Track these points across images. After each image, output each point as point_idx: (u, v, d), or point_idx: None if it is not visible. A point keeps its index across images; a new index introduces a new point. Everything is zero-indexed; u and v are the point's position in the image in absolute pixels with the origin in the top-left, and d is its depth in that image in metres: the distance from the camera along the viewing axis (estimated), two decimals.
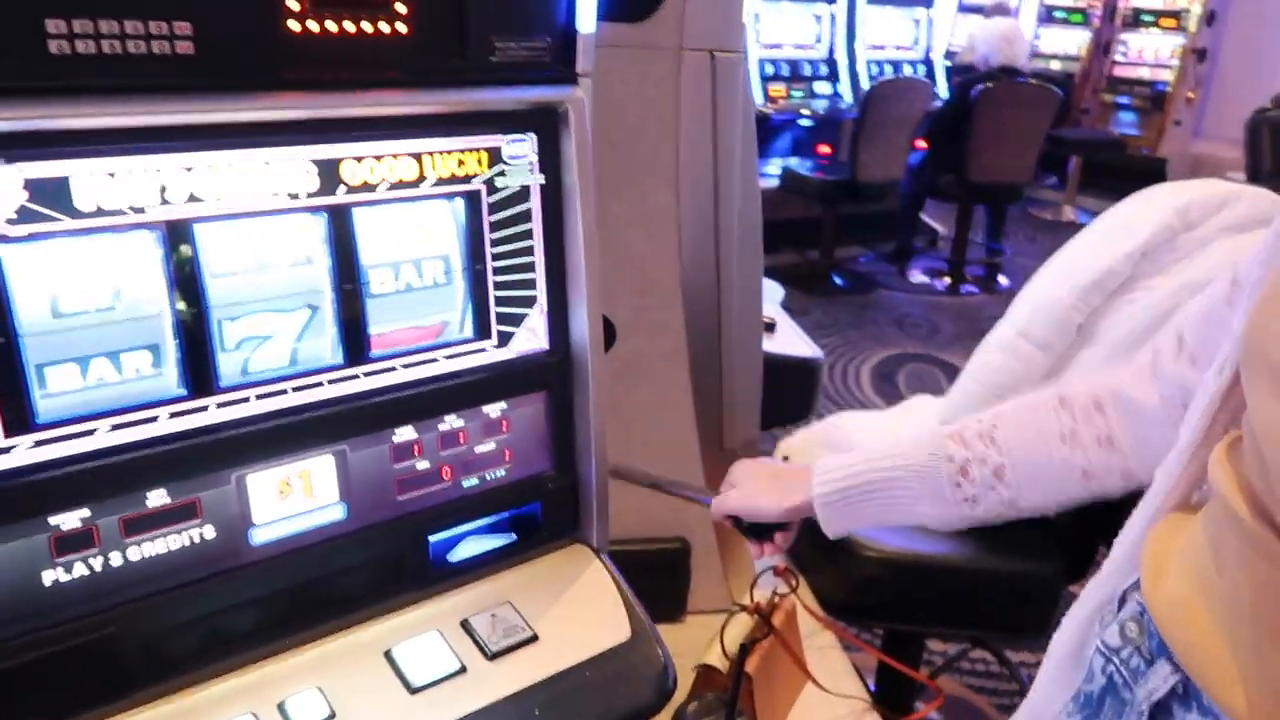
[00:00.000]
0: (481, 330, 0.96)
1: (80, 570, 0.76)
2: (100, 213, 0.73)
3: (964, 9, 7.74)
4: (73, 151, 0.71)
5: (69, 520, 0.75)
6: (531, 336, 0.99)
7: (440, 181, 0.90)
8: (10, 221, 0.69)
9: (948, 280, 5.53)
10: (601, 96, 1.43)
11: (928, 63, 6.17)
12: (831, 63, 5.74)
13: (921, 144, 5.31)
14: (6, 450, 0.71)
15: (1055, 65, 7.91)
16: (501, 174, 0.93)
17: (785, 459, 2.07)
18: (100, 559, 0.77)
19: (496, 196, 0.93)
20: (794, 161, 5.47)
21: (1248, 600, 0.51)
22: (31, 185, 0.70)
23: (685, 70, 1.42)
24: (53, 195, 0.71)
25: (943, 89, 6.00)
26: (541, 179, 0.96)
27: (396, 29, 0.83)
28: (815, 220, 5.36)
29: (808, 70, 5.62)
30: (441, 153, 0.89)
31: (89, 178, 0.72)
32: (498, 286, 0.96)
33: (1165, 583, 0.58)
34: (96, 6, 0.69)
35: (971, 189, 5.17)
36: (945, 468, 0.94)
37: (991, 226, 5.63)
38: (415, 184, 0.88)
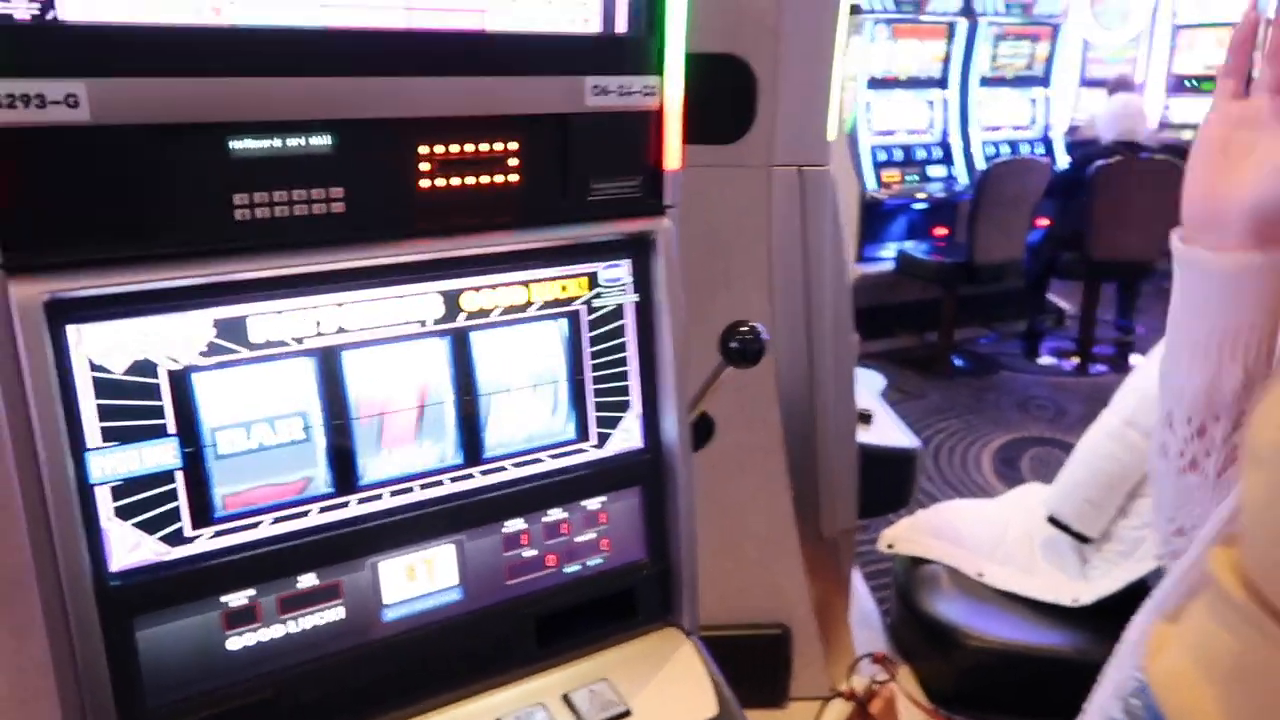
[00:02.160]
0: (582, 432, 1.08)
1: (245, 642, 0.91)
2: (269, 344, 0.89)
3: (1086, 83, 7.67)
4: (250, 296, 0.88)
5: (238, 598, 0.90)
6: (626, 437, 1.10)
7: (546, 305, 1.04)
8: (201, 354, 0.86)
9: (1075, 360, 5.40)
10: (699, 210, 1.57)
11: (1046, 140, 6.13)
12: (945, 145, 5.79)
13: (1043, 222, 5.27)
14: (193, 539, 0.87)
15: (1187, 135, 7.69)
16: (599, 295, 1.07)
17: (890, 546, 2.11)
18: (261, 633, 0.91)
19: (595, 315, 1.07)
20: (909, 245, 5.50)
21: (1240, 667, 0.56)
22: (219, 324, 0.87)
23: (775, 184, 1.54)
24: (234, 331, 0.88)
25: (1063, 166, 5.94)
26: (635, 298, 1.09)
27: (509, 180, 0.98)
28: (933, 302, 5.35)
29: (921, 154, 5.69)
30: (547, 280, 1.03)
31: (262, 317, 0.89)
32: (596, 393, 1.08)
33: (1164, 656, 0.64)
34: (271, 181, 0.86)
35: (1096, 267, 5.07)
36: None
37: (1122, 304, 5.48)
38: (524, 308, 1.02)
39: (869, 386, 2.18)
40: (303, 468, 0.93)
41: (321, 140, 0.88)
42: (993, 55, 5.83)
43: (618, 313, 1.08)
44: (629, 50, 1.01)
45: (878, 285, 5.47)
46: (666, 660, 1.10)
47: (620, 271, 1.08)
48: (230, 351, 0.88)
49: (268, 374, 0.90)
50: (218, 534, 0.89)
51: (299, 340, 0.91)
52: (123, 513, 0.84)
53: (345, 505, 0.95)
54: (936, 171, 5.71)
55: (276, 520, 0.91)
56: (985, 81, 5.85)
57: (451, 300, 0.98)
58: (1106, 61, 7.77)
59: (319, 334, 0.92)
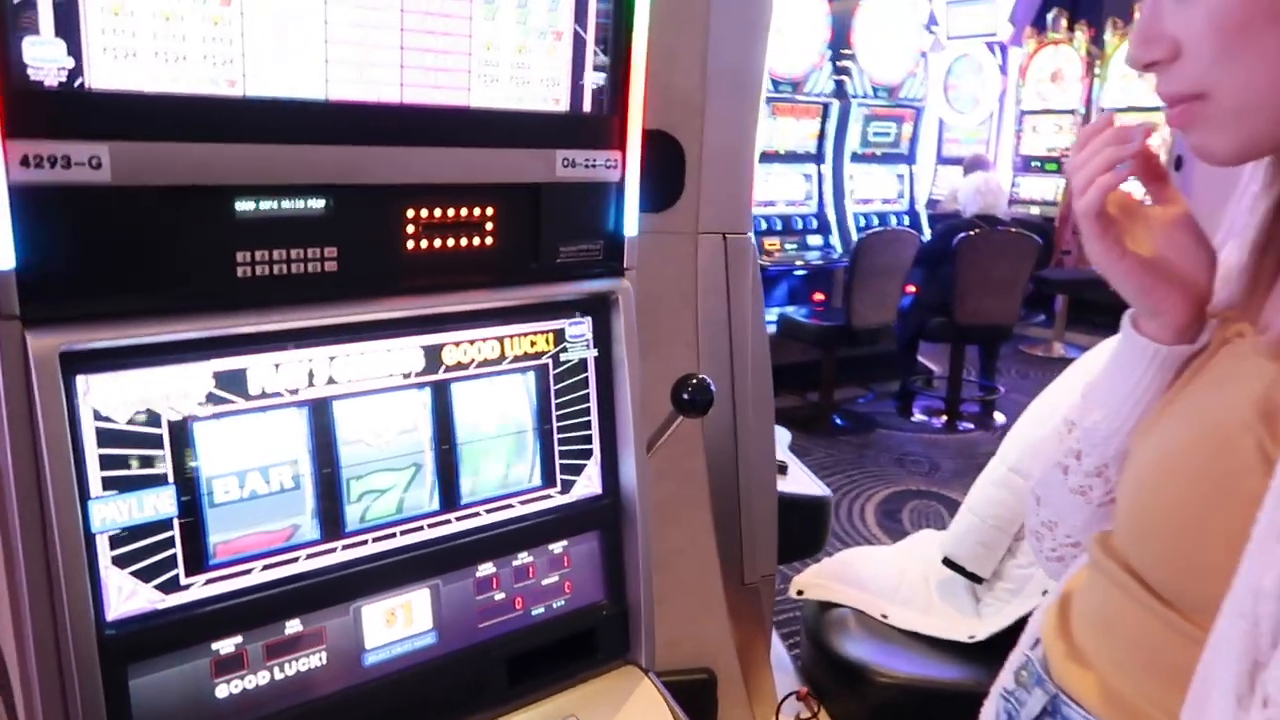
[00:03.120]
0: (548, 479, 1.15)
1: (232, 690, 0.92)
2: (265, 395, 0.93)
3: (943, 161, 8.26)
4: (249, 349, 0.92)
5: (227, 645, 0.92)
6: (588, 483, 1.17)
7: (517, 359, 1.11)
8: (200, 404, 0.89)
9: (944, 418, 5.74)
10: (636, 273, 1.67)
11: (912, 213, 6.57)
12: (822, 216, 6.12)
13: (911, 289, 5.63)
14: (187, 587, 0.89)
15: (1035, 210, 8.36)
16: (564, 350, 1.14)
17: (800, 592, 2.21)
18: (247, 680, 0.93)
19: (560, 369, 1.14)
20: (791, 309, 5.77)
21: (1111, 620, 0.69)
22: (218, 376, 0.90)
23: (701, 250, 1.66)
24: (232, 383, 0.91)
25: (928, 236, 6.37)
26: (595, 353, 1.17)
27: (486, 243, 1.06)
28: (814, 364, 5.61)
29: (800, 224, 6.00)
30: (519, 335, 1.11)
31: (259, 369, 0.92)
32: (561, 442, 1.15)
33: (1050, 621, 0.77)
34: (271, 240, 0.91)
35: (961, 330, 5.44)
36: None
37: (985, 365, 5.87)
38: (498, 361, 1.09)
39: (779, 441, 2.31)
40: (292, 515, 0.96)
41: (318, 203, 0.94)
42: (863, 134, 6.24)
43: (581, 366, 1.16)
44: (594, 127, 1.11)
45: None
46: (628, 696, 1.16)
47: (583, 328, 1.16)
48: (228, 402, 0.91)
49: (262, 424, 0.94)
50: (209, 581, 0.91)
51: (293, 391, 0.95)
52: (120, 561, 0.86)
53: (332, 551, 0.98)
54: (815, 240, 6.03)
55: (266, 567, 0.94)
56: (857, 157, 6.25)
57: (433, 354, 1.04)
58: (962, 141, 8.41)
59: (311, 385, 0.96)
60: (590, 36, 1.08)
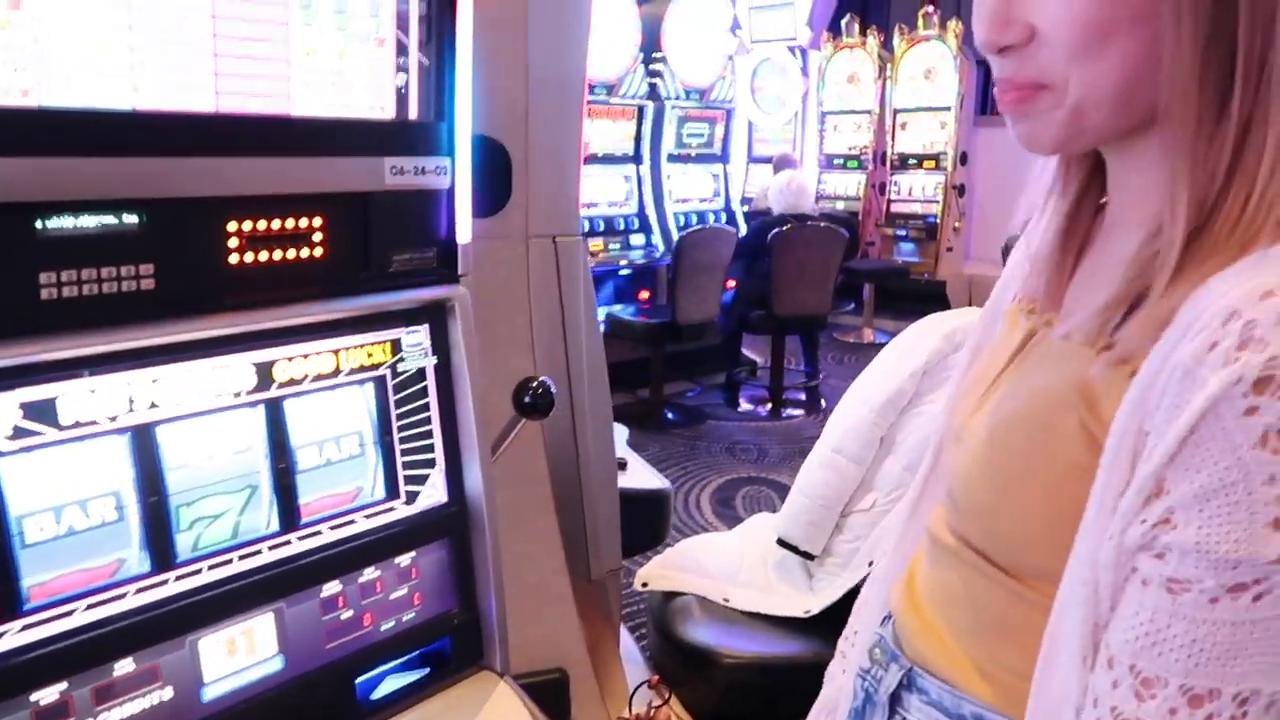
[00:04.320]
0: (392, 491, 1.13)
1: None
2: (80, 424, 0.87)
3: (754, 160, 8.60)
4: (59, 376, 0.86)
5: (49, 695, 0.86)
6: (433, 492, 1.16)
7: (353, 371, 1.08)
8: (7, 438, 0.83)
9: (769, 406, 5.98)
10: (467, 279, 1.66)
11: (729, 211, 6.80)
12: (643, 216, 6.25)
13: (731, 283, 5.84)
14: None
15: (840, 205, 8.84)
16: (402, 360, 1.13)
17: (645, 584, 2.26)
18: None
19: (399, 379, 1.13)
20: (618, 308, 5.85)
21: (956, 593, 0.75)
22: (25, 407, 0.84)
23: (532, 253, 1.67)
24: (42, 413, 0.85)
25: (744, 232, 6.62)
26: (435, 360, 1.16)
27: (315, 254, 1.03)
28: (643, 361, 5.71)
29: (622, 225, 6.10)
30: (354, 347, 1.08)
31: (72, 397, 0.87)
32: (403, 453, 1.13)
33: (900, 598, 0.83)
34: (79, 259, 0.86)
35: (779, 321, 5.68)
36: None
37: (807, 353, 6.16)
38: (333, 375, 1.07)
39: (618, 438, 2.35)
40: (116, 549, 0.91)
41: (130, 219, 0.89)
42: (678, 135, 6.41)
43: (420, 375, 1.15)
44: (422, 133, 1.10)
45: None
46: (485, 702, 1.16)
47: (420, 337, 1.15)
48: (37, 434, 0.85)
49: (78, 455, 0.88)
50: (25, 628, 0.84)
51: (112, 419, 0.89)
52: None
53: (163, 584, 0.93)
54: (637, 240, 6.14)
55: (90, 606, 0.88)
56: (673, 158, 6.41)
57: (264, 371, 1.00)
58: (770, 141, 8.77)
59: (131, 411, 0.91)
60: (413, 42, 1.08)
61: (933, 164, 8.47)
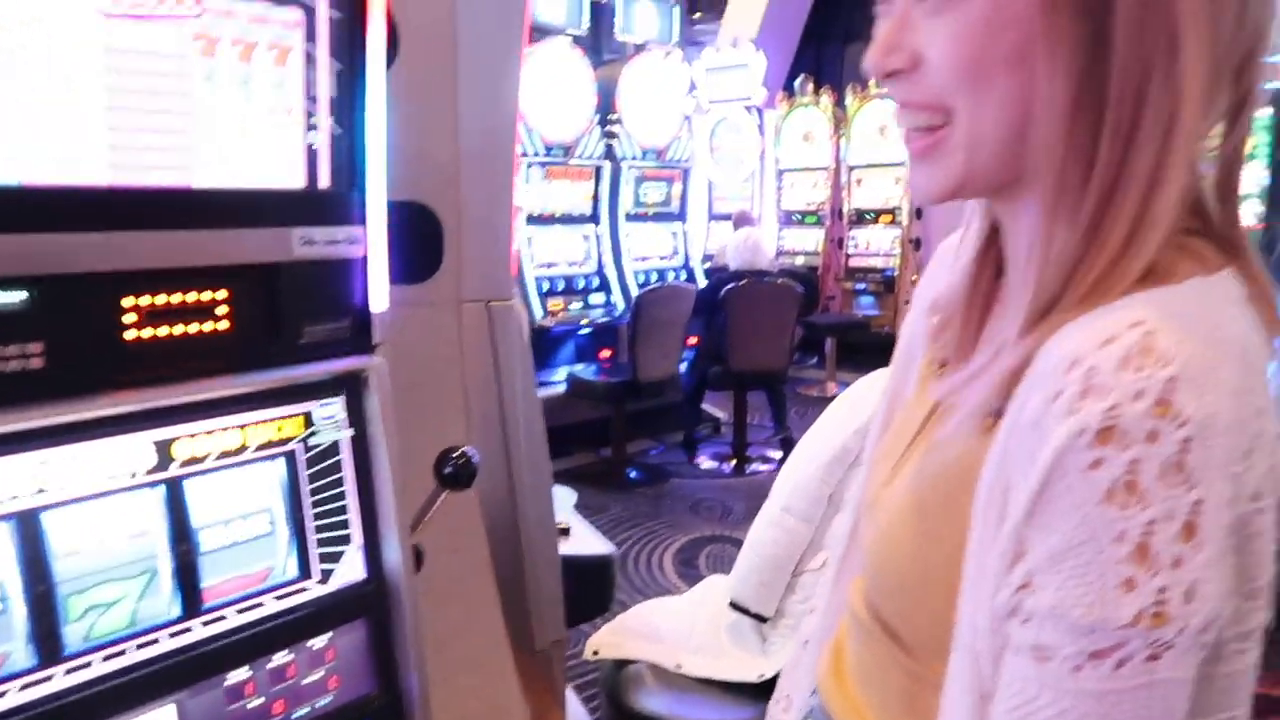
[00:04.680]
0: (304, 570, 1.09)
1: None
2: None
3: (714, 217, 8.69)
4: None
5: None
6: (350, 570, 1.12)
7: (261, 446, 1.05)
8: None
9: (733, 463, 5.95)
10: (396, 348, 1.64)
11: (688, 268, 6.85)
12: (602, 275, 6.27)
13: (693, 340, 5.85)
14: None
15: (800, 260, 8.94)
16: (315, 433, 1.10)
17: (595, 652, 2.21)
18: None
19: (311, 453, 1.09)
20: (579, 367, 5.84)
21: (869, 669, 0.73)
22: None
23: (465, 319, 1.65)
24: None
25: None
26: (350, 433, 1.13)
27: (219, 328, 1.00)
28: (604, 420, 5.68)
29: (581, 283, 6.11)
30: (262, 422, 1.05)
31: None
32: (317, 530, 1.10)
33: (825, 670, 0.80)
34: None
35: (737, 377, 5.69)
36: None
37: (772, 408, 6.17)
38: (240, 451, 1.03)
39: (563, 502, 2.31)
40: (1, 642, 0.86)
41: (17, 296, 0.86)
42: (635, 194, 6.47)
43: (334, 449, 1.12)
44: (333, 203, 1.09)
45: (551, 407, 5.70)
46: None
47: (334, 409, 1.12)
48: None
49: None
50: None
51: None
52: None
53: (49, 679, 0.88)
54: (597, 299, 6.15)
55: None
56: (631, 217, 6.46)
57: (164, 449, 0.97)
58: (729, 198, 8.89)
59: (15, 497, 0.87)
60: (323, 111, 1.06)
61: (889, 218, 8.61)
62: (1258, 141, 2.77)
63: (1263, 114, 2.76)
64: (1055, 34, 0.54)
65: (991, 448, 0.54)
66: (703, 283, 6.74)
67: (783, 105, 9.11)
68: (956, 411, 0.61)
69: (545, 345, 5.86)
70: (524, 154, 5.67)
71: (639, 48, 6.50)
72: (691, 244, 7.01)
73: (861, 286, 8.72)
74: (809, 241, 9.09)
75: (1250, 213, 2.77)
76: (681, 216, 6.89)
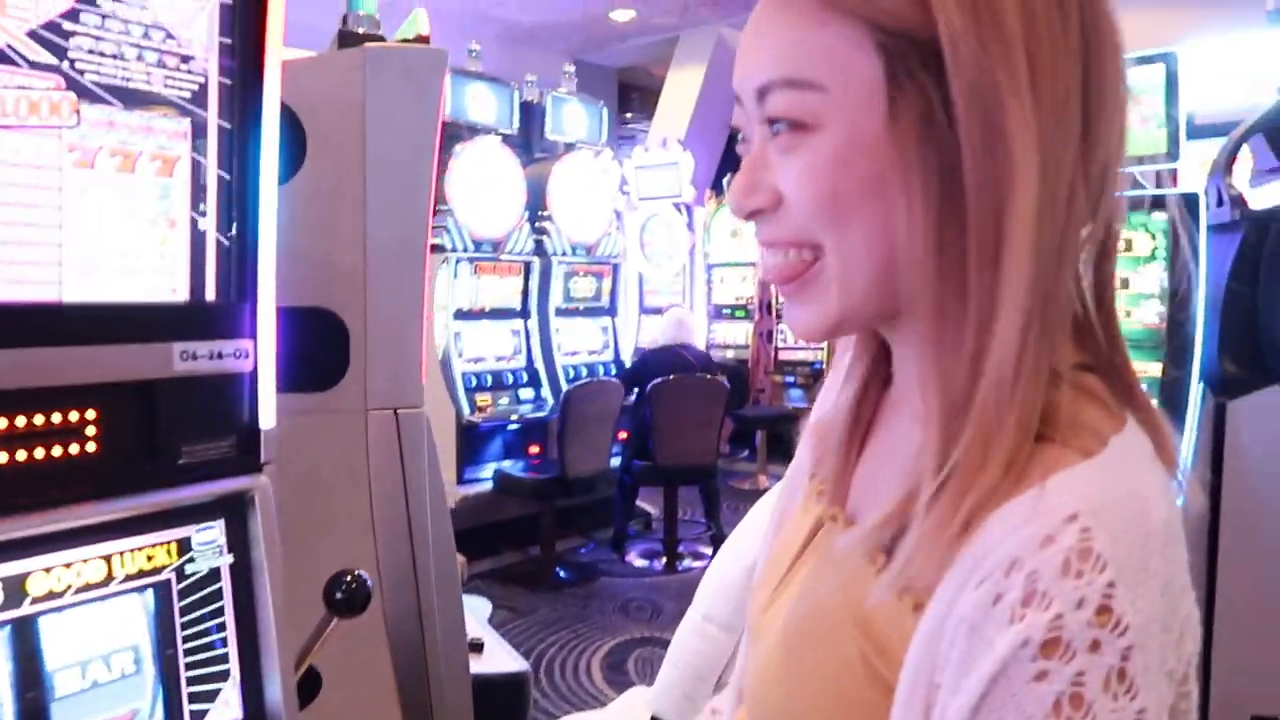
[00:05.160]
0: (173, 711, 1.00)
1: None
2: None
3: (645, 311, 8.77)
4: None
5: None
6: (225, 708, 1.04)
7: (130, 578, 0.97)
8: None
9: (664, 560, 5.86)
10: (297, 459, 1.57)
11: (618, 363, 6.84)
12: (532, 370, 6.22)
13: (623, 435, 5.82)
14: None
15: (730, 354, 9.03)
16: (191, 561, 1.02)
17: None
18: None
19: (186, 582, 1.02)
20: (507, 464, 5.73)
21: None
22: None
23: (372, 428, 1.59)
24: None
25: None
26: (230, 559, 1.06)
27: (86, 450, 0.94)
28: (533, 517, 5.57)
29: (510, 379, 6.05)
30: (131, 550, 0.98)
31: None
32: (189, 666, 1.01)
33: None
34: None
35: (666, 473, 5.65)
36: None
37: (704, 504, 6.11)
38: (104, 584, 0.95)
39: (477, 614, 2.22)
40: None
41: None
42: (565, 289, 6.48)
43: (213, 576, 1.04)
44: (219, 316, 1.04)
45: (479, 505, 5.59)
46: None
47: (214, 534, 1.05)
48: None
49: None
50: None
51: None
52: None
53: None
54: (526, 394, 6.09)
55: None
56: (561, 312, 6.46)
57: (14, 585, 0.89)
58: (660, 292, 8.99)
59: None
60: (211, 222, 1.03)
61: None
62: (1156, 245, 2.89)
63: (1159, 217, 2.89)
64: (905, 163, 0.54)
65: (916, 637, 0.52)
66: None
67: (711, 202, 9.32)
68: (840, 554, 0.59)
69: (473, 442, 5.75)
70: (453, 249, 5.67)
71: (569, 146, 6.61)
72: (622, 338, 7.02)
73: (791, 379, 8.82)
74: (738, 335, 9.21)
75: (1152, 311, 2.87)
76: (612, 311, 6.92)
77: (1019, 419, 0.52)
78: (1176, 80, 2.97)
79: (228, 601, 1.05)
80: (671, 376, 5.52)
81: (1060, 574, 0.46)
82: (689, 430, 5.56)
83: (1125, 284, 2.99)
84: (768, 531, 0.83)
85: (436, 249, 5.60)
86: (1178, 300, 2.78)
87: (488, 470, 5.70)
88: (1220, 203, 2.96)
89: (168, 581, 1.00)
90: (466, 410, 5.63)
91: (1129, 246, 3.00)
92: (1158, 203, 2.82)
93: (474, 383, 5.79)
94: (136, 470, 0.98)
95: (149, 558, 0.99)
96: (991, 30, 0.51)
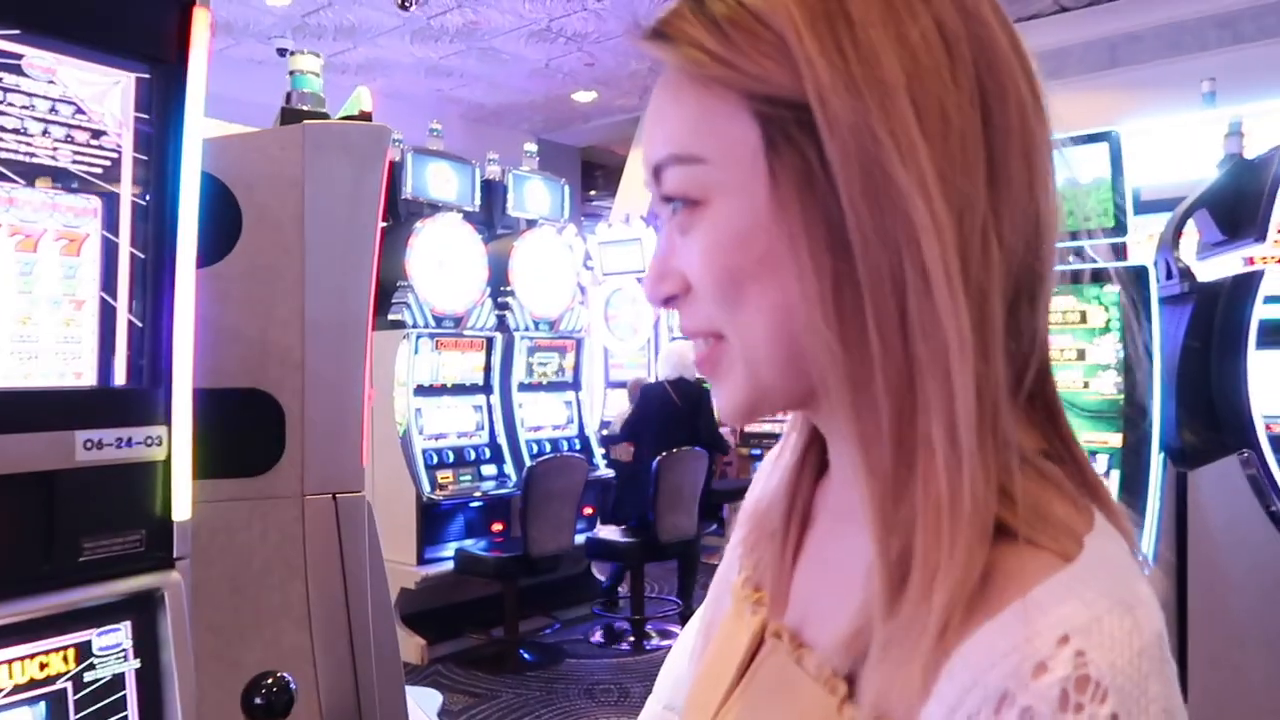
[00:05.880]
0: None
1: None
2: None
3: (611, 385, 8.73)
4: None
5: None
6: None
7: (19, 688, 0.89)
8: None
9: (631, 639, 5.71)
10: (227, 546, 1.49)
11: (583, 437, 6.77)
12: (495, 445, 6.13)
13: (588, 511, 5.71)
14: None
15: None
16: (91, 667, 0.95)
17: None
18: None
19: (84, 691, 0.94)
20: (469, 542, 5.60)
21: None
22: None
23: (309, 514, 1.52)
24: None
25: (599, 459, 6.57)
26: (137, 664, 0.98)
27: None
28: (497, 597, 5.42)
29: (473, 455, 5.95)
30: (20, 659, 0.90)
31: None
32: None
33: None
34: None
35: (663, 549, 5.58)
36: None
37: (682, 580, 6.00)
38: None
39: (428, 707, 2.11)
40: None
41: None
42: (528, 364, 6.43)
43: (116, 683, 0.96)
44: (129, 401, 0.98)
45: (440, 585, 5.44)
46: None
47: (119, 637, 0.97)
48: None
49: None
50: None
51: None
52: None
53: None
54: (489, 470, 5.98)
55: None
56: (524, 387, 6.40)
57: None
58: (625, 365, 8.97)
59: None
60: (122, 303, 0.97)
61: None
62: (1110, 317, 2.91)
63: (1111, 290, 2.92)
64: (792, 232, 0.51)
65: None
66: (597, 450, 6.68)
67: None
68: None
69: (434, 520, 5.61)
70: (413, 325, 5.62)
71: (531, 223, 6.63)
72: (587, 412, 6.96)
73: (757, 451, 8.78)
74: None
75: (1109, 382, 2.87)
76: (575, 385, 6.87)
77: (973, 502, 0.46)
78: (1120, 157, 3.03)
79: (132, 712, 0.97)
80: (675, 450, 5.50)
81: (1059, 709, 0.41)
82: (682, 504, 5.55)
83: (1081, 355, 3.00)
84: (695, 644, 0.77)
85: (397, 324, 5.54)
86: (1131, 372, 2.79)
87: (449, 550, 5.56)
88: (1170, 275, 3.00)
89: (63, 692, 0.92)
90: (427, 488, 5.51)
91: (1083, 319, 3.02)
92: (1107, 275, 2.85)
93: (435, 459, 5.68)
94: (29, 570, 0.91)
95: (41, 665, 0.91)
96: (866, 79, 0.48)
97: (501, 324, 6.21)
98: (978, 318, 0.48)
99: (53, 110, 0.90)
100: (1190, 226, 3.16)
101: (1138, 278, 2.80)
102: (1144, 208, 3.52)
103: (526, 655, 5.48)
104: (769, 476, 0.72)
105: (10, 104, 0.87)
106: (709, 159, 0.54)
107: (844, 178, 0.48)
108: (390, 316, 5.56)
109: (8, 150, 0.87)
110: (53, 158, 0.90)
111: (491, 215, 6.57)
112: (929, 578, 0.46)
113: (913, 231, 0.47)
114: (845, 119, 0.48)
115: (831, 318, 0.50)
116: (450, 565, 5.43)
